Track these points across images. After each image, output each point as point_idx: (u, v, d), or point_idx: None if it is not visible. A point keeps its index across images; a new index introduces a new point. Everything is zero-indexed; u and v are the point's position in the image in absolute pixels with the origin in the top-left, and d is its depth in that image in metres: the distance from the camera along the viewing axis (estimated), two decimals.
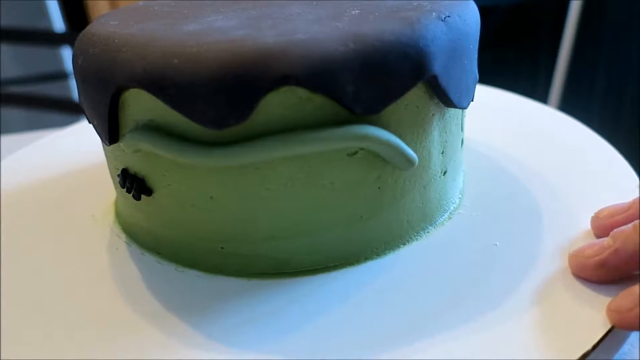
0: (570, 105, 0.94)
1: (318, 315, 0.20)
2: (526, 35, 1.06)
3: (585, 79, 0.97)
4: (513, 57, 1.07)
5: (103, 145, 0.26)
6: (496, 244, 0.24)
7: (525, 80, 1.09)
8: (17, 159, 0.36)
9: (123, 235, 0.27)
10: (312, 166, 0.21)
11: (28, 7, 1.02)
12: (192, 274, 0.23)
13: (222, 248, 0.23)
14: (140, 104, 0.21)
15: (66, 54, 1.07)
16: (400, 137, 0.21)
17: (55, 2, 1.06)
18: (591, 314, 0.19)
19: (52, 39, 0.78)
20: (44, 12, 1.04)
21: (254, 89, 0.18)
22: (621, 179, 0.27)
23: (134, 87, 0.20)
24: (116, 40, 0.21)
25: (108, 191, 0.30)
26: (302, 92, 0.19)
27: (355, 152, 0.21)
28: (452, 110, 0.25)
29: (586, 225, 0.24)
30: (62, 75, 1.10)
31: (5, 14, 0.98)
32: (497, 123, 0.35)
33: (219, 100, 0.19)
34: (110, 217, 0.28)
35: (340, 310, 0.21)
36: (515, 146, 0.32)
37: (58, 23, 1.07)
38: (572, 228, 0.24)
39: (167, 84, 0.19)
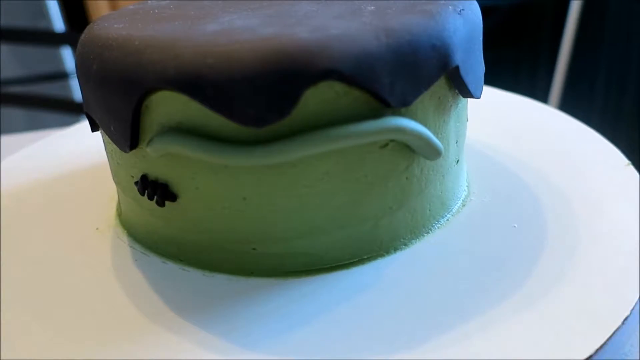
0: (570, 104, 0.96)
1: (363, 307, 0.21)
2: (526, 35, 1.09)
3: (585, 78, 1.00)
4: (512, 58, 1.09)
5: (112, 153, 0.25)
6: (515, 226, 0.25)
7: (525, 80, 1.11)
8: (17, 160, 0.34)
9: (138, 246, 0.26)
10: (348, 160, 0.21)
11: (27, 7, 0.98)
12: (221, 278, 0.23)
13: (253, 249, 0.22)
14: (167, 107, 0.20)
15: (66, 53, 1.04)
16: (426, 126, 0.22)
17: (55, 2, 1.02)
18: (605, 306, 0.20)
19: (52, 39, 0.74)
20: (43, 12, 1.00)
21: (295, 85, 0.18)
22: (621, 176, 0.28)
23: (165, 88, 0.19)
24: (136, 42, 0.21)
25: (112, 195, 0.29)
26: (339, 87, 0.19)
27: (387, 144, 0.21)
28: (463, 100, 0.26)
29: (585, 219, 0.25)
30: (62, 75, 1.06)
31: (4, 14, 0.94)
32: (495, 122, 0.36)
33: (260, 98, 0.19)
34: (117, 227, 0.27)
35: (383, 301, 0.21)
36: (513, 144, 0.33)
37: (58, 23, 1.03)
38: (573, 221, 0.25)
39: (204, 84, 0.19)
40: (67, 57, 1.11)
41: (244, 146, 0.20)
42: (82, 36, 0.24)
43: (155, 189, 0.22)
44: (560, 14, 0.98)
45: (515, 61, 1.11)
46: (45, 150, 0.36)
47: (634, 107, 0.93)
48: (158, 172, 0.22)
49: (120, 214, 0.28)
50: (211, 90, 0.19)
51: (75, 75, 0.24)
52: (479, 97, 0.24)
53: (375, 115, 0.20)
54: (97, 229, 0.27)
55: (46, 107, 0.70)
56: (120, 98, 0.21)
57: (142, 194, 0.23)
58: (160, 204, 0.23)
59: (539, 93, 1.07)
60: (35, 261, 0.25)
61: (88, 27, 0.25)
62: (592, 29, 0.95)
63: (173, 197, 0.22)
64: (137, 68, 0.20)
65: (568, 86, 0.98)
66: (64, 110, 0.70)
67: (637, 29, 0.90)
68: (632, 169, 0.29)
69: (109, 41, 0.22)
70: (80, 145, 0.36)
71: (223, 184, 0.21)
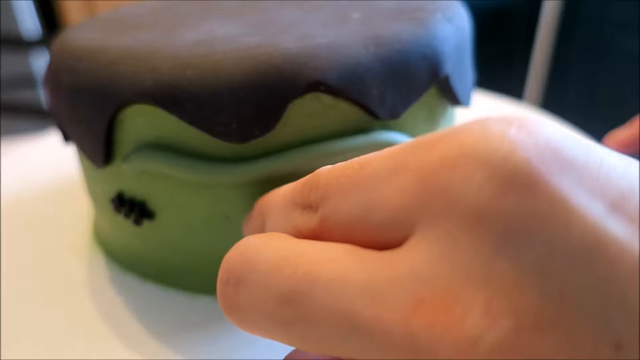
0: (548, 105, 0.97)
1: None
2: (500, 39, 1.09)
3: (560, 81, 1.01)
4: (488, 61, 1.09)
5: (86, 168, 0.24)
6: None
7: (499, 79, 1.12)
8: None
9: (115, 265, 0.24)
10: None
11: None
12: (205, 300, 0.22)
13: None
14: (144, 121, 0.19)
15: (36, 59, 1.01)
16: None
17: (27, 4, 0.98)
18: None
19: (22, 45, 0.72)
20: (13, 16, 0.97)
21: (280, 98, 0.17)
22: None
23: (141, 102, 0.18)
24: (111, 53, 0.19)
25: (88, 210, 0.28)
26: (326, 99, 0.18)
27: None
28: (451, 109, 0.25)
29: None
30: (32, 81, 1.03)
31: None
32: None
33: (243, 112, 0.17)
34: (93, 245, 0.26)
35: None
36: None
37: (30, 27, 1.00)
38: None
39: (183, 97, 0.17)
40: (37, 62, 1.08)
41: (226, 163, 0.18)
42: (54, 46, 0.23)
43: (132, 207, 0.21)
44: (534, 16, 1.00)
45: (491, 64, 1.11)
46: (18, 158, 0.34)
47: (609, 106, 0.94)
48: (135, 189, 0.21)
49: (96, 231, 0.27)
50: (190, 104, 0.17)
51: (43, 85, 0.22)
52: (468, 106, 0.24)
53: (364, 127, 0.19)
54: (71, 247, 0.26)
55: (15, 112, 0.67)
56: (93, 111, 0.19)
57: (118, 211, 0.22)
58: (138, 222, 0.21)
59: (514, 92, 1.08)
60: (6, 285, 0.24)
61: (60, 36, 0.24)
62: (566, 30, 0.96)
63: (151, 216, 0.21)
64: (112, 80, 0.19)
65: (545, 87, 0.99)
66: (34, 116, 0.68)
67: (610, 27, 0.91)
68: None
69: (82, 51, 0.20)
70: (52, 155, 0.34)
71: (204, 202, 0.20)
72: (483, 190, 0.09)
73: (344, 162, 0.11)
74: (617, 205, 0.09)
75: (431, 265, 0.09)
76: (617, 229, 0.08)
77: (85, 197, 0.30)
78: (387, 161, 0.10)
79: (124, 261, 0.24)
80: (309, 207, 0.12)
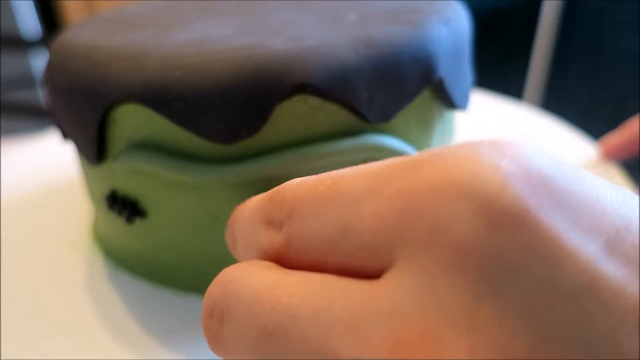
0: (548, 105, 0.97)
1: None
2: (500, 39, 1.09)
3: (560, 81, 1.01)
4: (488, 61, 1.09)
5: (83, 165, 0.24)
6: None
7: (500, 82, 1.12)
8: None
9: (111, 262, 0.24)
10: None
11: None
12: (194, 299, 0.22)
13: None
14: (133, 121, 0.19)
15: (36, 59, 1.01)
16: (408, 143, 0.21)
17: (27, 4, 0.98)
18: None
19: (22, 45, 0.72)
20: (13, 16, 0.96)
21: (267, 99, 0.17)
22: (598, 173, 0.29)
23: (130, 102, 0.18)
24: (103, 53, 0.19)
25: (89, 206, 0.28)
26: (314, 101, 0.18)
27: (365, 161, 0.20)
28: (448, 113, 0.25)
29: None
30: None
31: None
32: (479, 128, 0.35)
33: (229, 113, 0.17)
34: (92, 241, 0.26)
35: None
36: None
37: (30, 27, 0.99)
38: None
39: (170, 97, 0.18)
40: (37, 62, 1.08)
41: (214, 163, 0.18)
42: (53, 44, 0.23)
43: (125, 205, 0.21)
44: (533, 16, 1.00)
45: (491, 65, 1.11)
46: (18, 158, 0.34)
47: (610, 105, 0.94)
48: (127, 187, 0.21)
49: (95, 229, 0.27)
50: (177, 104, 0.17)
51: (42, 84, 0.22)
52: (465, 109, 0.24)
53: (353, 130, 0.19)
54: (71, 247, 0.26)
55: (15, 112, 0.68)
56: (85, 110, 0.20)
57: (111, 209, 0.22)
58: (130, 220, 0.21)
59: (514, 92, 1.08)
60: (6, 277, 0.24)
61: (60, 35, 0.24)
62: (567, 30, 0.96)
63: (142, 214, 0.21)
64: (102, 79, 0.19)
65: (546, 87, 0.99)
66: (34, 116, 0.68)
67: (610, 27, 0.91)
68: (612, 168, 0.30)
69: (76, 51, 0.20)
70: (52, 155, 0.34)
71: (193, 201, 0.20)
72: (470, 227, 0.08)
73: (315, 176, 0.11)
74: (612, 244, 0.08)
75: (413, 302, 0.08)
76: (612, 270, 0.08)
77: (84, 196, 0.30)
78: (364, 179, 0.10)
79: (120, 258, 0.24)
80: (271, 223, 0.11)
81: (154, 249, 0.22)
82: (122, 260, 0.24)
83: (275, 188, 0.12)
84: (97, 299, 0.22)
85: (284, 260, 0.11)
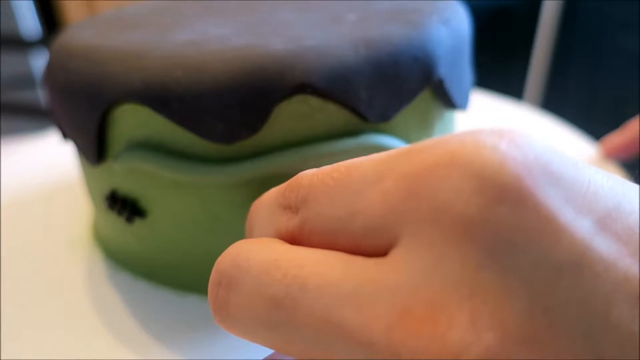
0: (548, 105, 0.97)
1: None
2: (500, 39, 1.09)
3: (560, 81, 1.01)
4: (488, 61, 1.09)
5: (83, 165, 0.24)
6: None
7: (500, 82, 1.12)
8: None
9: (111, 262, 0.24)
10: None
11: None
12: (194, 299, 0.22)
13: None
14: (133, 121, 0.19)
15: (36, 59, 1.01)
16: (408, 143, 0.21)
17: (27, 4, 0.98)
18: None
19: (22, 44, 0.72)
20: (13, 16, 0.96)
21: (266, 99, 0.17)
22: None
23: (130, 102, 0.18)
24: (102, 53, 0.19)
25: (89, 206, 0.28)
26: (314, 101, 0.18)
27: None
28: (448, 113, 0.25)
29: None
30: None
31: None
32: (473, 124, 0.35)
33: (229, 113, 0.17)
34: (92, 241, 0.26)
35: None
36: None
37: (30, 27, 0.99)
38: None
39: (170, 97, 0.18)
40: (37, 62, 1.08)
41: (214, 163, 0.18)
42: (53, 44, 0.23)
43: (125, 205, 0.21)
44: (533, 16, 1.00)
45: (491, 61, 1.11)
46: (18, 158, 0.34)
47: (610, 105, 0.94)
48: (127, 187, 0.21)
49: (95, 229, 0.27)
50: (177, 104, 0.17)
51: (43, 84, 0.22)
52: (465, 109, 0.24)
53: (353, 130, 0.19)
54: (71, 246, 0.26)
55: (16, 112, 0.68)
56: (84, 110, 0.20)
57: (111, 209, 0.22)
58: (130, 220, 0.21)
59: (514, 92, 1.08)
60: (6, 277, 0.24)
61: (60, 35, 0.24)
62: (567, 30, 0.96)
63: (142, 214, 0.21)
64: (102, 79, 0.19)
65: (546, 87, 0.99)
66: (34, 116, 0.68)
67: (610, 27, 0.91)
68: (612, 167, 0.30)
69: (76, 50, 0.20)
70: (52, 155, 0.34)
71: (193, 201, 0.20)
72: (473, 201, 0.09)
73: (330, 165, 0.11)
74: (603, 223, 0.09)
75: (417, 275, 0.09)
76: (603, 246, 0.08)
77: (84, 196, 0.30)
78: (374, 166, 0.10)
79: (120, 258, 0.24)
80: (288, 208, 0.12)
81: (154, 249, 0.22)
82: (122, 260, 0.24)
83: (294, 177, 0.12)
84: (97, 299, 0.22)
85: (297, 242, 0.11)
